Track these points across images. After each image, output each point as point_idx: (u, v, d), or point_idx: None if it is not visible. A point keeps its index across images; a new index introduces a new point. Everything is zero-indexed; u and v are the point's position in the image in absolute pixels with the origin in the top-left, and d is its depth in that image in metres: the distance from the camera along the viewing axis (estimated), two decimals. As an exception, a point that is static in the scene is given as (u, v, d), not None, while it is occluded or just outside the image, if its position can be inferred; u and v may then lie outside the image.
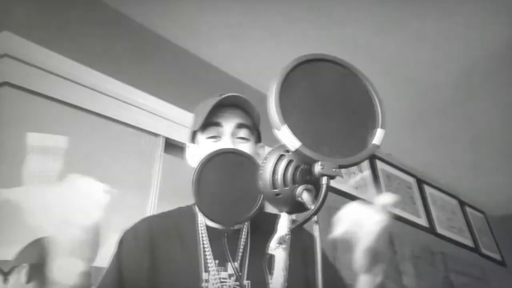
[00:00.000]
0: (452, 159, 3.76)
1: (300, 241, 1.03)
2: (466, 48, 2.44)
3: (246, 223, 1.04)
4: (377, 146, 0.60)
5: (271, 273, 0.66)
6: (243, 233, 1.02)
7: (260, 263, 0.89)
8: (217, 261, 0.94)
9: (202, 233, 1.00)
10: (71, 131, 1.73)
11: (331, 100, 0.63)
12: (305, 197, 0.63)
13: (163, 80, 2.11)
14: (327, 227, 0.73)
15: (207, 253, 0.96)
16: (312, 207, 0.58)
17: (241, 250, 0.98)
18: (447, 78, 2.69)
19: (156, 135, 2.01)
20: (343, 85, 0.65)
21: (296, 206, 0.66)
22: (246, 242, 1.00)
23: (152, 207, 1.82)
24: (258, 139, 1.11)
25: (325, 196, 0.56)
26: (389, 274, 2.71)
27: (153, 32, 2.23)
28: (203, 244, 0.98)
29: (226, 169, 0.86)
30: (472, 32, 2.31)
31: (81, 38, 1.85)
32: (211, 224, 1.01)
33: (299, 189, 0.64)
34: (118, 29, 2.05)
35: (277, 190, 0.66)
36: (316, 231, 0.59)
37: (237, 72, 2.56)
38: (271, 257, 0.68)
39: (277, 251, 0.67)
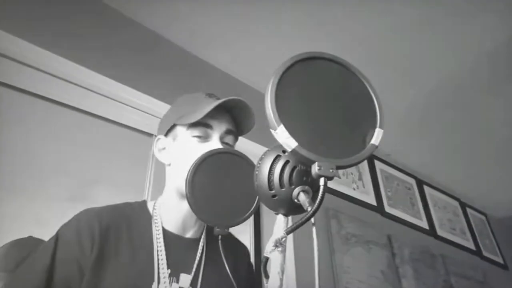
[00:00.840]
0: (453, 160, 3.78)
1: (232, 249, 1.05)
2: (470, 47, 2.45)
3: (203, 235, 1.04)
4: (376, 147, 0.61)
5: (267, 277, 0.66)
6: (201, 244, 1.01)
7: (215, 277, 0.91)
8: (169, 271, 0.91)
9: (158, 237, 0.96)
10: (59, 130, 1.72)
11: (329, 99, 0.63)
12: (302, 198, 0.63)
13: (156, 78, 2.11)
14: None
15: (160, 260, 0.91)
16: (309, 209, 0.58)
17: (196, 261, 0.96)
18: (449, 77, 2.70)
19: (149, 134, 2.01)
20: (342, 84, 0.65)
21: (293, 208, 0.66)
22: (202, 254, 0.99)
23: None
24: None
25: (323, 197, 0.56)
26: (388, 277, 2.71)
27: (147, 28, 2.22)
28: (158, 250, 0.93)
29: (221, 170, 0.86)
30: (475, 30, 2.32)
31: (70, 33, 1.84)
32: (170, 228, 0.99)
33: (296, 190, 0.64)
34: (111, 25, 2.05)
35: (273, 191, 0.66)
36: (313, 233, 0.59)
37: (233, 70, 2.56)
38: (267, 260, 0.68)
39: (273, 254, 0.67)
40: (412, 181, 3.81)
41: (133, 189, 1.85)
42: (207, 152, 0.86)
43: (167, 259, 0.92)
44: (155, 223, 0.99)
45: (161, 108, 2.00)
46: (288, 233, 0.66)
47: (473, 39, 2.39)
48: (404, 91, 2.83)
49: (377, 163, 3.43)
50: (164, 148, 1.07)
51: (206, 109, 0.96)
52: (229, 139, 1.04)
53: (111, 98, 1.87)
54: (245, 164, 0.86)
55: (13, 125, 1.58)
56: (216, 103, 0.96)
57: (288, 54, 0.63)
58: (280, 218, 0.70)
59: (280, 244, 0.67)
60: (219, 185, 0.85)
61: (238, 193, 0.84)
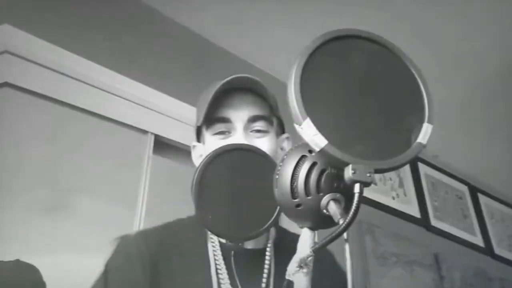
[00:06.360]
0: (515, 162, 3.74)
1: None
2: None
3: (270, 242, 1.03)
4: (423, 146, 0.60)
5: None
6: (268, 254, 1.01)
7: None
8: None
9: (214, 252, 0.98)
10: (33, 128, 1.71)
11: (365, 87, 0.62)
12: (333, 209, 0.62)
13: (153, 64, 2.11)
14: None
15: (221, 277, 0.94)
16: (341, 221, 0.58)
17: (265, 276, 0.97)
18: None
19: (144, 132, 2.01)
20: (381, 69, 0.64)
21: (321, 220, 0.66)
22: (270, 266, 0.99)
23: (139, 221, 1.81)
24: (281, 129, 1.09)
25: (357, 207, 0.56)
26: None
27: (143, 2, 2.20)
28: (216, 265, 0.96)
29: (235, 171, 0.85)
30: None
31: (51, 14, 1.84)
32: (225, 240, 1.01)
33: (325, 199, 0.64)
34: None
35: (297, 200, 0.66)
36: (346, 251, 0.58)
37: (249, 54, 2.56)
38: (290, 283, 0.68)
39: (297, 276, 0.67)
40: (464, 189, 3.79)
41: (123, 198, 1.85)
42: (219, 148, 0.84)
43: (228, 275, 0.95)
44: (210, 238, 1.01)
45: (160, 99, 2.01)
46: (315, 251, 0.66)
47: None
48: (457, 81, 2.80)
49: (422, 167, 3.41)
50: (201, 155, 1.09)
51: (207, 100, 0.98)
52: (258, 125, 1.03)
53: (98, 87, 1.86)
54: (266, 164, 0.84)
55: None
56: (211, 94, 0.97)
57: (313, 34, 0.62)
58: (306, 232, 0.70)
59: (305, 264, 0.67)
60: (232, 189, 0.84)
61: (254, 199, 0.83)
